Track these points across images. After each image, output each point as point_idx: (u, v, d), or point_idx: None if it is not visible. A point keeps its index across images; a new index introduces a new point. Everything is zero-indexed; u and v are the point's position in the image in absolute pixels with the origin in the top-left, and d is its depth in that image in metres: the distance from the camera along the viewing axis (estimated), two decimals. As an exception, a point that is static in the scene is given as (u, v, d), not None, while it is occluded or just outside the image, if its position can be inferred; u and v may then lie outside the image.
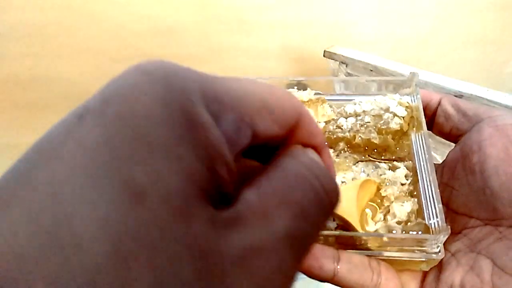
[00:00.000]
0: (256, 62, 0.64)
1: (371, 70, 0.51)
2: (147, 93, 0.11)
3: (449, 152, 0.26)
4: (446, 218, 0.24)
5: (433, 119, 0.27)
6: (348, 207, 0.23)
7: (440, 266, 0.23)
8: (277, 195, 0.11)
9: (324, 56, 0.55)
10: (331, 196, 0.12)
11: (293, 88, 0.31)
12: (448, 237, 0.24)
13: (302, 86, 0.31)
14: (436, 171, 0.25)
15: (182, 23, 0.60)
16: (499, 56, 0.65)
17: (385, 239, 0.22)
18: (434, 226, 0.22)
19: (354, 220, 0.23)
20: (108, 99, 0.11)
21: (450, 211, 0.25)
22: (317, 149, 0.15)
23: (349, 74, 0.54)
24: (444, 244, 0.23)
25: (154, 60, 0.12)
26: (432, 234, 0.22)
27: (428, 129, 0.27)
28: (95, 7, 0.58)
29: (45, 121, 0.71)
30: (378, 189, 0.25)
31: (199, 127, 0.10)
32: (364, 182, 0.24)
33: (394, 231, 0.23)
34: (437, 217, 0.22)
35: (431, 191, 0.23)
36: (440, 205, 0.22)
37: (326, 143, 0.16)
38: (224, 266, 0.10)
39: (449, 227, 0.21)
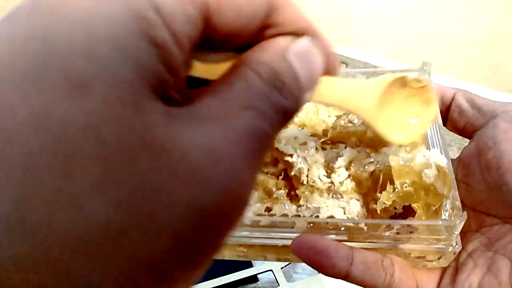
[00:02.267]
0: None
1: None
2: None
3: (464, 148, 0.25)
4: None
5: (447, 114, 0.27)
6: (364, 102, 0.20)
7: (456, 267, 0.23)
8: (238, 101, 0.11)
9: None
10: (294, 104, 0.12)
11: None
12: (465, 235, 0.23)
13: None
14: None
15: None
16: (500, 56, 0.65)
17: (398, 226, 0.21)
18: (454, 210, 0.22)
19: (370, 116, 0.20)
20: None
21: (467, 209, 0.24)
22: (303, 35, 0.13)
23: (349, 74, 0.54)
24: (461, 242, 0.22)
25: None
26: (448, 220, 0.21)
27: (443, 124, 0.27)
28: None
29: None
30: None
31: (147, 22, 0.09)
32: (394, 82, 0.21)
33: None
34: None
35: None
36: (456, 193, 0.22)
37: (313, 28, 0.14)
38: (180, 159, 0.09)
39: (465, 213, 0.20)
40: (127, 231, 0.09)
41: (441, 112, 0.27)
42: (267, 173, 0.25)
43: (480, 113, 0.25)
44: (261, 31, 0.13)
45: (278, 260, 0.25)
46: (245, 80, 0.11)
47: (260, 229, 0.23)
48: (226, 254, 0.26)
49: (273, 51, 0.12)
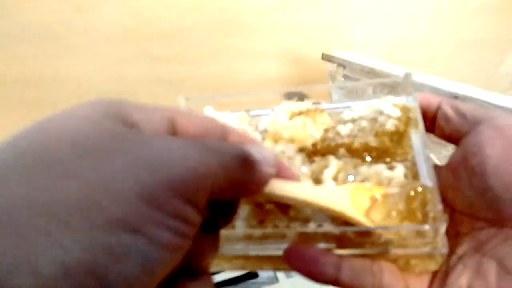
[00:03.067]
0: (255, 64, 0.65)
1: (368, 72, 0.51)
2: None
3: (451, 154, 0.26)
4: (452, 221, 0.24)
5: (434, 122, 0.27)
6: (340, 200, 0.22)
7: (446, 271, 0.23)
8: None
9: (322, 58, 0.56)
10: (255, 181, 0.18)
11: (293, 99, 0.31)
12: (456, 239, 0.24)
13: (299, 96, 0.32)
14: (439, 173, 0.25)
15: (185, 25, 0.62)
16: (493, 57, 0.65)
17: (380, 231, 0.22)
18: (435, 214, 0.22)
19: (354, 214, 0.22)
20: None
21: (457, 213, 0.25)
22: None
23: (346, 77, 0.55)
24: (451, 246, 0.23)
25: None
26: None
27: (430, 131, 0.28)
28: (103, 10, 0.59)
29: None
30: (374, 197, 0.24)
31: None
32: (356, 189, 0.24)
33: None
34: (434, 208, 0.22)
35: (429, 183, 0.23)
36: (438, 197, 0.22)
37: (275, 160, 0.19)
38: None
39: (446, 215, 0.21)
40: (99, 201, 0.12)
41: (428, 120, 0.27)
42: None
43: (465, 120, 0.25)
44: None
45: (276, 269, 0.26)
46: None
47: (254, 242, 0.24)
48: (225, 266, 0.27)
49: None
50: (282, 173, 0.20)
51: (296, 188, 0.21)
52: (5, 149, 0.13)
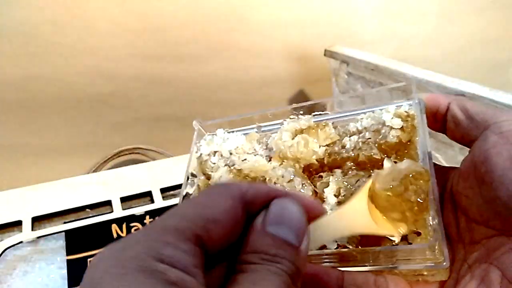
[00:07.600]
0: (256, 61, 0.65)
1: (372, 70, 0.52)
2: None
3: (463, 160, 0.26)
4: (466, 228, 0.25)
5: (445, 124, 0.28)
6: (361, 221, 0.23)
7: (457, 279, 0.24)
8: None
9: (324, 55, 0.56)
10: (294, 264, 0.17)
11: (299, 114, 0.32)
12: (468, 247, 0.25)
13: (307, 109, 0.33)
14: (453, 178, 0.26)
15: (180, 20, 0.60)
16: (503, 56, 0.66)
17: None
18: (431, 229, 0.23)
19: (376, 230, 0.22)
20: None
21: (470, 221, 0.25)
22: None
23: (350, 74, 0.55)
24: (464, 255, 0.23)
25: None
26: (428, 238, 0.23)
27: (442, 132, 0.28)
28: (89, 4, 0.57)
29: (39, 122, 0.70)
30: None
31: (159, 273, 0.14)
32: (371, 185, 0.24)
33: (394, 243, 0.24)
34: (433, 221, 0.23)
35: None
36: (433, 212, 0.23)
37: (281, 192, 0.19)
38: None
39: (439, 232, 0.22)
40: None
41: (439, 121, 0.28)
42: None
43: (473, 123, 0.26)
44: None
45: None
46: (249, 274, 0.16)
47: None
48: None
49: (254, 235, 0.17)
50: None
51: (330, 227, 0.21)
52: None
